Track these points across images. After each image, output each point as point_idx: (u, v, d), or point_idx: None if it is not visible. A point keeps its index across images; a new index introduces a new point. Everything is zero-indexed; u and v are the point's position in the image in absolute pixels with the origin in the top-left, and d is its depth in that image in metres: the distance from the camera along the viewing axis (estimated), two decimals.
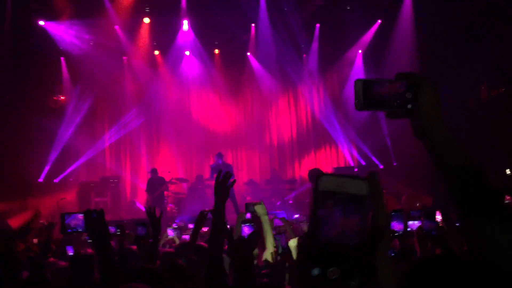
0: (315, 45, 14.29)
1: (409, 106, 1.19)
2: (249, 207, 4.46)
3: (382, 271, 1.04)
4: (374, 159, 13.75)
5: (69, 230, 3.53)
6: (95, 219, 2.45)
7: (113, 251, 2.57)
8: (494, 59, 10.80)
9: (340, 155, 15.07)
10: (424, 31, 12.38)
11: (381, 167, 13.34)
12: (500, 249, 1.02)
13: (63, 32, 12.81)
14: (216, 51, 14.74)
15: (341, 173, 1.03)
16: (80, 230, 3.58)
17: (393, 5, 12.92)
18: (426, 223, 3.92)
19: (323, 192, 0.93)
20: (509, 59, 10.58)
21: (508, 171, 11.08)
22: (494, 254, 1.03)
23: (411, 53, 12.82)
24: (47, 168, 12.72)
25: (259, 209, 4.14)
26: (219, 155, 11.44)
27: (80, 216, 3.51)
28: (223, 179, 2.77)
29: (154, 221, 3.96)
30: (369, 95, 1.20)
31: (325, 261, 0.90)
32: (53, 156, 12.81)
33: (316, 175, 0.97)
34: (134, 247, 4.26)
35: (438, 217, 5.36)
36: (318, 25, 13.85)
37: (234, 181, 2.94)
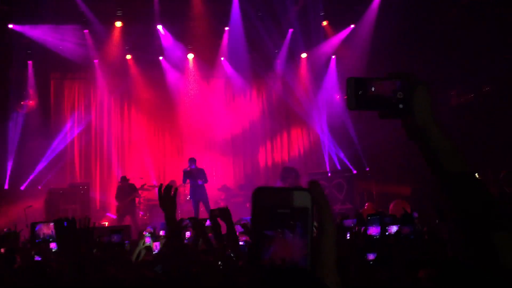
0: (285, 49, 14.32)
1: (401, 106, 1.16)
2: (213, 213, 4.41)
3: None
4: (348, 163, 13.84)
5: (38, 240, 3.39)
6: (66, 228, 2.33)
7: (84, 261, 2.45)
8: (464, 65, 11.04)
9: (314, 160, 15.12)
10: (394, 36, 12.55)
11: (355, 172, 13.43)
12: (498, 254, 0.99)
13: (32, 35, 12.49)
14: (190, 55, 14.62)
15: (278, 186, 0.95)
16: (49, 239, 3.44)
17: (364, 10, 13.08)
18: (404, 227, 3.93)
19: (264, 208, 0.85)
20: (479, 65, 10.82)
21: (476, 175, 11.28)
22: (493, 260, 1.00)
23: (381, 59, 12.96)
24: (9, 174, 12.38)
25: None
26: (192, 160, 11.37)
27: (51, 224, 3.38)
28: (166, 192, 2.76)
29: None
30: (361, 94, 1.17)
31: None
32: (15, 162, 12.47)
33: (257, 188, 0.88)
34: None
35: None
36: (291, 30, 13.90)
37: (176, 189, 2.93)
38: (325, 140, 14.70)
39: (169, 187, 2.77)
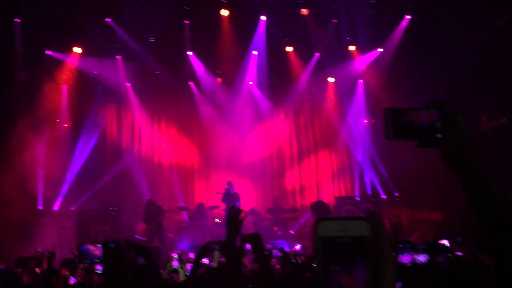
0: (312, 72, 14.44)
1: (439, 135, 1.19)
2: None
3: None
4: (379, 188, 13.67)
5: (86, 261, 3.51)
6: (113, 250, 2.43)
7: (130, 284, 2.53)
8: (494, 89, 10.91)
9: (342, 184, 15.03)
10: (424, 60, 12.52)
11: (384, 197, 13.28)
12: None
13: (67, 60, 13.00)
14: (218, 80, 14.89)
15: (340, 216, 0.99)
16: (96, 260, 3.55)
17: (392, 34, 13.11)
18: (437, 256, 3.87)
19: (324, 238, 0.90)
20: (509, 89, 10.67)
21: None
22: None
23: (410, 83, 12.92)
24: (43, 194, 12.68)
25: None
26: (230, 184, 11.55)
27: (98, 246, 3.49)
28: (236, 214, 2.77)
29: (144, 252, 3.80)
30: (398, 124, 1.20)
31: None
32: (48, 182, 12.79)
33: (316, 218, 0.95)
34: None
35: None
36: (317, 54, 14.03)
37: (246, 216, 2.94)
38: (353, 163, 14.62)
39: (240, 211, 2.80)
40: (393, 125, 1.20)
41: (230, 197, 11.31)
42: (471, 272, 3.46)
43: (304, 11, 12.77)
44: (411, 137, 1.21)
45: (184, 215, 13.40)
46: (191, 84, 14.67)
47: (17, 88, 12.17)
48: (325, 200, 12.48)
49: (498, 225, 1.08)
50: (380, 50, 13.63)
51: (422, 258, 4.86)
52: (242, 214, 2.77)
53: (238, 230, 2.77)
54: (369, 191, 13.74)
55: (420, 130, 1.20)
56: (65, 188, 12.96)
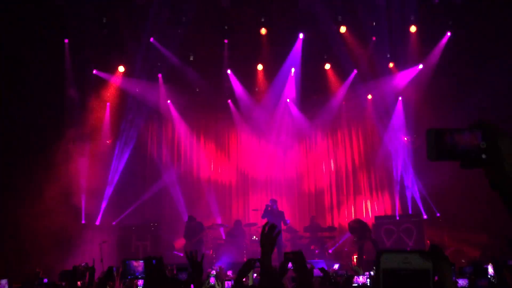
0: (350, 90, 14.39)
1: (484, 156, 1.18)
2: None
3: None
4: (421, 207, 13.34)
5: (130, 276, 3.60)
6: (154, 266, 2.48)
7: None
8: None
9: (381, 203, 14.76)
10: (468, 77, 12.24)
11: (425, 217, 12.95)
12: None
13: (112, 80, 13.49)
14: (256, 97, 15.02)
15: (400, 249, 1.02)
16: (138, 276, 3.63)
17: (433, 51, 12.92)
18: (478, 280, 3.76)
19: (385, 270, 0.91)
20: None
21: None
22: None
23: (452, 99, 12.67)
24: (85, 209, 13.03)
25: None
26: (274, 201, 11.54)
27: (140, 262, 3.57)
28: (269, 230, 2.78)
29: (195, 266, 3.90)
30: (442, 145, 1.20)
31: None
32: (90, 197, 13.15)
33: (377, 252, 0.96)
34: None
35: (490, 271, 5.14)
36: (355, 71, 13.98)
37: (279, 232, 2.95)
38: (393, 181, 14.37)
39: (273, 226, 2.83)
40: (436, 146, 1.21)
41: (273, 214, 11.29)
42: None
43: (343, 29, 12.78)
44: (455, 158, 1.21)
45: (222, 232, 13.47)
46: (230, 102, 14.86)
47: (66, 104, 12.66)
48: (364, 219, 12.26)
49: None
50: (420, 67, 13.42)
51: (462, 282, 4.72)
52: (275, 230, 2.79)
53: (273, 247, 2.79)
54: (410, 211, 13.43)
55: (464, 151, 1.20)
56: (106, 203, 13.29)
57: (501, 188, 1.16)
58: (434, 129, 1.22)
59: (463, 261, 10.52)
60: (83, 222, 12.82)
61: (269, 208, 11.44)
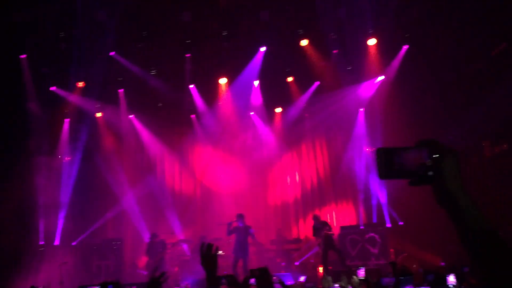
0: (313, 102, 14.53)
1: (430, 173, 1.21)
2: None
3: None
4: (385, 216, 13.53)
5: None
6: None
7: None
8: (497, 116, 10.93)
9: (345, 213, 14.90)
10: (425, 87, 12.59)
11: (389, 225, 13.14)
12: None
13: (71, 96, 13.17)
14: (218, 110, 14.98)
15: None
16: None
17: (391, 64, 13.21)
18: None
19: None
20: (510, 116, 10.70)
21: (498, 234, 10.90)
22: None
23: (411, 110, 12.98)
24: (43, 230, 12.60)
25: None
26: (240, 216, 11.38)
27: None
28: (207, 250, 2.80)
29: (151, 283, 3.81)
30: (391, 164, 1.22)
31: None
32: (59, 218, 12.74)
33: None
34: None
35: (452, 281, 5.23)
36: (317, 83, 14.13)
37: (217, 248, 2.98)
38: (357, 192, 14.54)
39: (210, 245, 2.83)
40: (385, 165, 1.22)
41: (239, 230, 11.17)
42: None
43: (305, 42, 12.90)
44: (404, 176, 1.23)
45: (187, 248, 13.25)
46: (193, 116, 14.75)
47: (25, 119, 12.26)
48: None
49: (483, 251, 1.13)
50: (380, 79, 13.70)
51: None
52: (214, 248, 2.81)
53: (215, 264, 2.81)
54: (374, 220, 13.60)
55: (412, 169, 1.22)
56: (64, 222, 12.86)
57: (445, 204, 1.20)
58: (383, 149, 1.24)
59: (414, 266, 10.72)
60: (41, 242, 12.39)
61: (234, 225, 11.32)
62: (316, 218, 12.16)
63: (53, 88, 12.95)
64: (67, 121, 13.56)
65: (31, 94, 12.43)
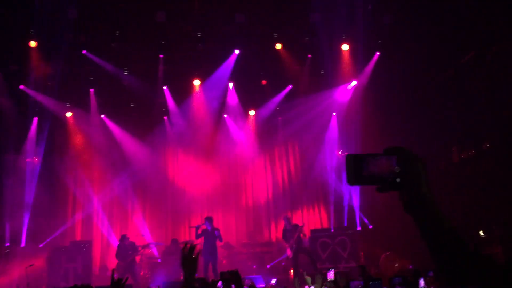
0: (285, 105, 14.61)
1: (398, 180, 1.24)
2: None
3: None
4: (356, 219, 13.71)
5: None
6: None
7: None
8: (464, 123, 11.22)
9: (317, 216, 15.01)
10: (396, 94, 12.81)
11: (359, 229, 13.32)
12: None
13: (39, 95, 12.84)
14: (191, 112, 14.89)
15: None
16: None
17: (364, 69, 13.40)
18: None
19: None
20: (478, 123, 11.00)
21: (481, 233, 11.22)
22: None
23: (383, 116, 13.19)
24: (9, 232, 12.27)
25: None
26: (209, 219, 11.31)
27: None
28: (190, 252, 2.77)
29: (113, 285, 3.67)
30: (359, 170, 1.24)
31: None
32: (24, 220, 12.42)
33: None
34: None
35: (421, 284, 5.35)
36: (290, 86, 14.20)
37: (200, 251, 2.95)
38: (328, 196, 14.68)
39: (193, 247, 2.79)
40: (354, 171, 1.25)
41: (208, 233, 11.11)
42: None
43: (279, 46, 12.95)
44: (372, 182, 1.26)
45: (157, 251, 13.11)
46: (166, 118, 14.62)
47: None
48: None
49: (452, 261, 1.16)
50: (353, 84, 13.89)
51: None
52: (196, 250, 2.79)
53: (195, 267, 2.78)
54: (345, 223, 13.76)
55: (380, 175, 1.24)
56: (29, 224, 12.54)
57: (411, 210, 1.23)
58: (352, 155, 1.26)
59: (396, 265, 10.91)
60: (6, 244, 12.07)
61: (202, 227, 11.26)
62: (287, 219, 12.22)
63: (21, 87, 12.62)
64: (35, 119, 13.22)
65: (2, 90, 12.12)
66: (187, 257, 2.75)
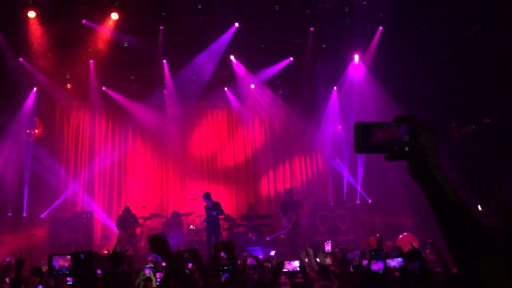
0: (286, 78, 14.51)
1: (407, 149, 1.23)
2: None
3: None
4: (358, 193, 13.81)
5: (55, 272, 3.42)
6: (83, 261, 2.37)
7: None
8: (464, 97, 11.18)
9: (317, 190, 15.10)
10: (396, 68, 12.74)
11: (358, 202, 13.44)
12: (487, 281, 1.09)
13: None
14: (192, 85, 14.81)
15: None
16: (66, 272, 3.46)
17: (367, 43, 13.28)
18: (410, 263, 3.93)
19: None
20: (478, 98, 10.97)
21: (479, 207, 11.31)
22: (478, 284, 1.10)
23: (382, 90, 13.15)
24: (11, 202, 12.40)
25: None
26: (207, 195, 11.36)
27: (67, 257, 3.42)
28: (154, 238, 2.80)
29: (112, 256, 3.72)
30: (368, 138, 1.24)
31: None
32: (19, 189, 12.54)
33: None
34: None
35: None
36: (290, 59, 14.08)
37: (165, 234, 3.01)
38: (328, 169, 14.76)
39: (156, 235, 2.82)
40: (362, 139, 1.24)
41: (208, 209, 11.22)
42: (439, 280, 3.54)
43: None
44: (380, 151, 1.25)
45: (159, 223, 13.25)
46: (165, 91, 14.55)
47: None
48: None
49: (452, 221, 1.17)
50: (355, 57, 13.79)
51: (393, 262, 4.94)
52: (160, 234, 2.81)
53: (168, 247, 2.80)
54: (344, 197, 13.87)
55: (388, 144, 1.24)
56: (28, 193, 12.67)
57: (420, 179, 1.22)
58: (361, 123, 1.25)
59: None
60: (8, 214, 12.22)
61: (206, 204, 11.37)
62: (288, 192, 12.27)
63: (21, 59, 12.54)
64: (33, 90, 13.20)
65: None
66: (153, 240, 2.75)
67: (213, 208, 11.15)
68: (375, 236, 10.65)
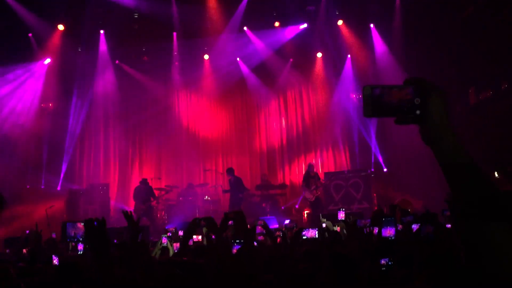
0: (300, 48, 14.31)
1: (418, 112, 1.19)
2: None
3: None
4: (371, 161, 13.76)
5: (69, 239, 3.50)
6: (96, 228, 2.38)
7: (112, 261, 2.49)
8: (482, 63, 10.92)
9: (331, 159, 15.05)
10: (411, 36, 12.48)
11: (372, 170, 13.36)
12: (496, 246, 1.06)
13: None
14: (206, 56, 14.72)
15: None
16: (79, 238, 3.53)
17: (382, 10, 12.98)
18: (424, 227, 3.91)
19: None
20: (495, 63, 10.70)
21: (496, 174, 11.17)
22: (490, 252, 1.06)
23: (397, 59, 12.94)
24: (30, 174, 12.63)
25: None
26: (230, 171, 11.99)
27: (80, 225, 3.48)
28: (128, 216, 3.19)
29: (131, 225, 3.80)
30: (377, 101, 1.19)
31: None
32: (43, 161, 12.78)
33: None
34: None
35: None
36: (302, 28, 13.85)
37: (130, 212, 3.29)
38: (342, 138, 14.66)
39: (129, 212, 3.08)
40: (372, 102, 1.19)
41: (232, 185, 11.75)
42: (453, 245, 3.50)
43: None
44: (390, 114, 1.20)
45: (174, 194, 13.39)
46: (177, 64, 14.50)
47: None
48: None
49: (465, 184, 1.12)
50: (370, 25, 13.54)
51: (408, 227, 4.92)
52: (134, 214, 3.04)
53: (137, 228, 3.12)
54: (358, 166, 13.81)
55: (398, 107, 1.19)
56: (52, 167, 12.89)
57: (431, 143, 1.18)
58: (369, 86, 1.20)
59: (409, 210, 11.01)
60: (27, 186, 12.49)
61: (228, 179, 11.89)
62: (311, 167, 12.34)
63: (30, 34, 12.57)
64: (47, 64, 13.24)
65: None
66: (130, 220, 3.10)
67: (235, 183, 11.43)
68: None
